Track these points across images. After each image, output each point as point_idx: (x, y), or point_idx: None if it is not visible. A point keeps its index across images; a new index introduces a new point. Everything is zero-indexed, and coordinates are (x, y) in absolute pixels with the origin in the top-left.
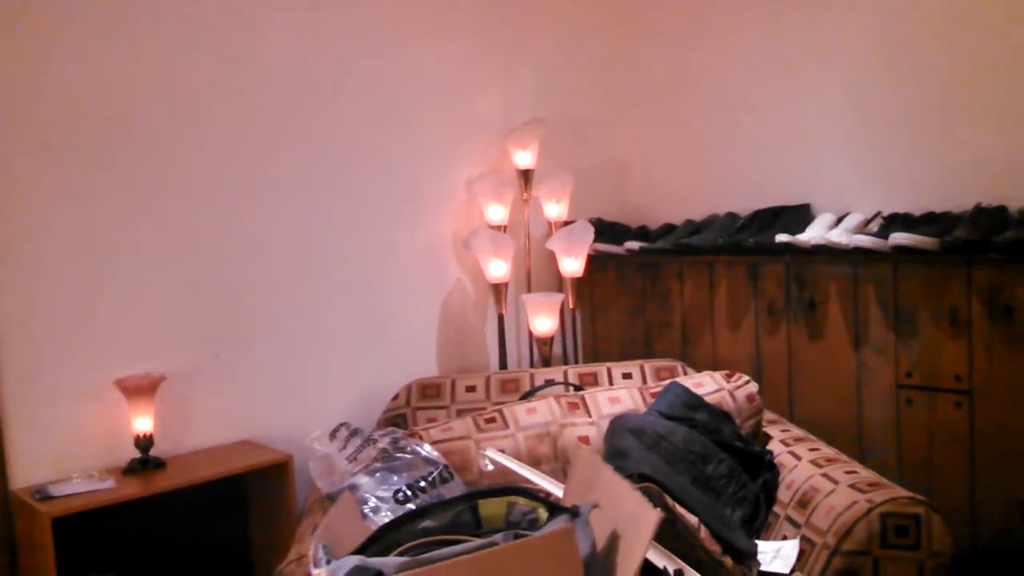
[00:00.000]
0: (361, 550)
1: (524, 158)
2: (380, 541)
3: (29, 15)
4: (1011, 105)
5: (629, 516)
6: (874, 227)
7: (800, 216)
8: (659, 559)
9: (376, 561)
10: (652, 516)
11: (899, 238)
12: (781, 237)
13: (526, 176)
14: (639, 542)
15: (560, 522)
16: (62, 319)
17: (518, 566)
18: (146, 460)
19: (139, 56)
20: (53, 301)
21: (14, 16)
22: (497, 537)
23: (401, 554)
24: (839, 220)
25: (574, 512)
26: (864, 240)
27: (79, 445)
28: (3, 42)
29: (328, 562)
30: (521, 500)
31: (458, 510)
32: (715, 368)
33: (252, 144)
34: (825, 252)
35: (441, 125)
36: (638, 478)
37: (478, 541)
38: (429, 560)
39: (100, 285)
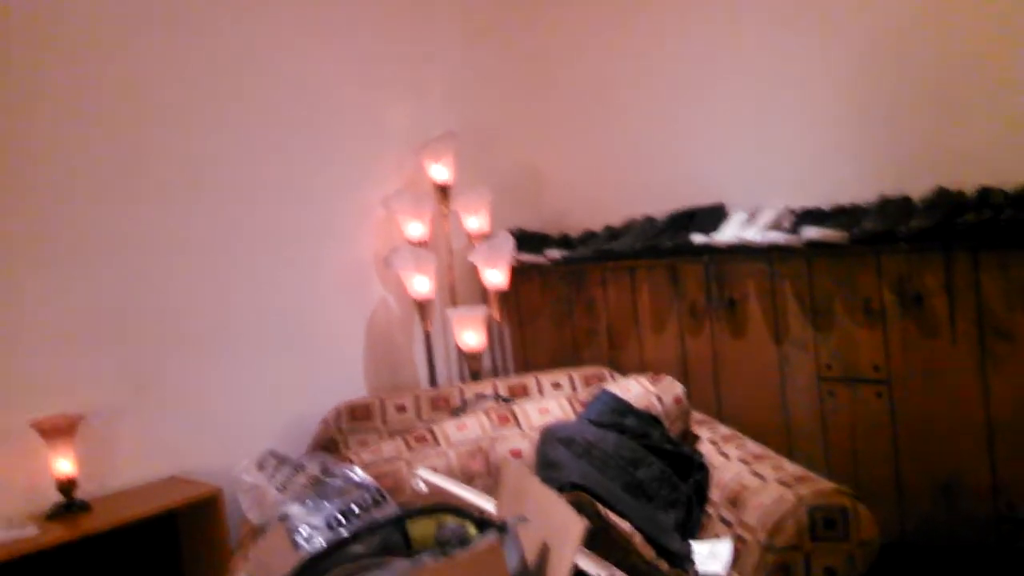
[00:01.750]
0: None
1: (440, 172)
2: (310, 570)
3: None
4: (912, 96)
5: (558, 526)
6: (786, 223)
7: (715, 216)
8: (593, 567)
9: None
10: (578, 525)
11: (810, 233)
12: (698, 238)
13: (444, 190)
14: (567, 552)
15: (488, 538)
16: None
17: None
18: (70, 503)
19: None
20: None
21: None
22: (425, 557)
23: None
24: (753, 217)
25: (502, 527)
26: (777, 236)
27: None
28: None
29: None
30: (450, 518)
31: (387, 532)
32: (643, 372)
33: (163, 170)
34: (741, 250)
35: (353, 142)
36: (570, 487)
37: (406, 562)
38: None
39: (9, 324)
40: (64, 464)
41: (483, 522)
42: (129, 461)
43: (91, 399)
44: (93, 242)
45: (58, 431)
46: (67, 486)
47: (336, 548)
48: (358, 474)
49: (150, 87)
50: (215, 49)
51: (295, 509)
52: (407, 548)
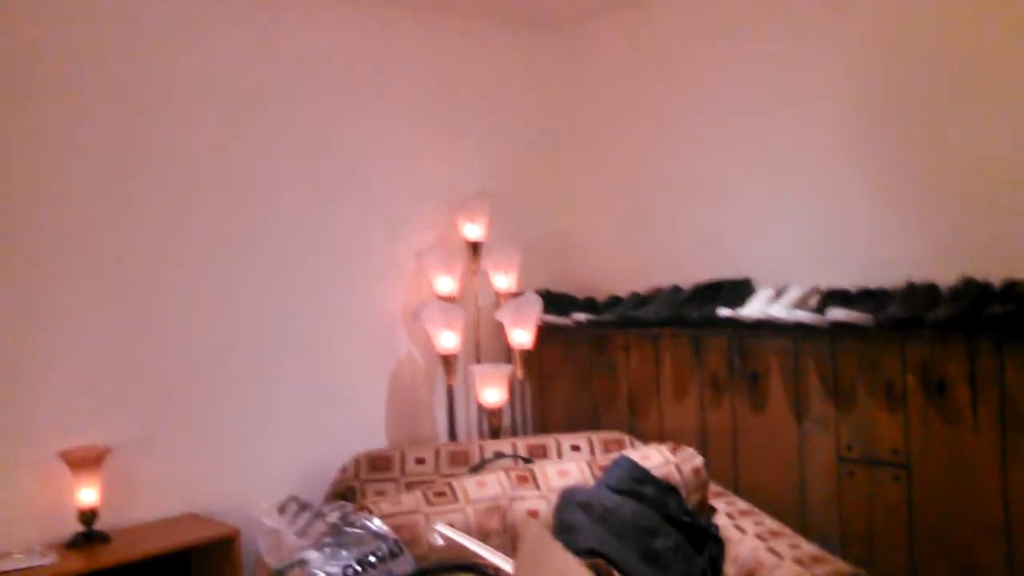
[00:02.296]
0: None
1: (473, 230)
2: None
3: None
4: (943, 185)
5: None
6: (813, 302)
7: (741, 290)
8: None
9: None
10: None
11: (837, 314)
12: (723, 311)
13: (475, 248)
14: None
15: None
16: (2, 391)
17: None
18: (90, 534)
19: (82, 125)
20: None
21: None
22: None
23: None
24: (779, 294)
25: None
26: (803, 315)
27: (20, 519)
28: None
29: None
30: None
31: None
32: (661, 439)
33: (198, 215)
34: (766, 326)
35: (390, 198)
36: (586, 553)
37: None
38: None
39: (42, 356)
40: (88, 494)
41: None
42: (150, 495)
43: (117, 432)
44: (129, 282)
45: (85, 462)
46: (89, 516)
47: None
48: (377, 524)
49: (191, 141)
50: (257, 100)
51: (313, 555)
52: None
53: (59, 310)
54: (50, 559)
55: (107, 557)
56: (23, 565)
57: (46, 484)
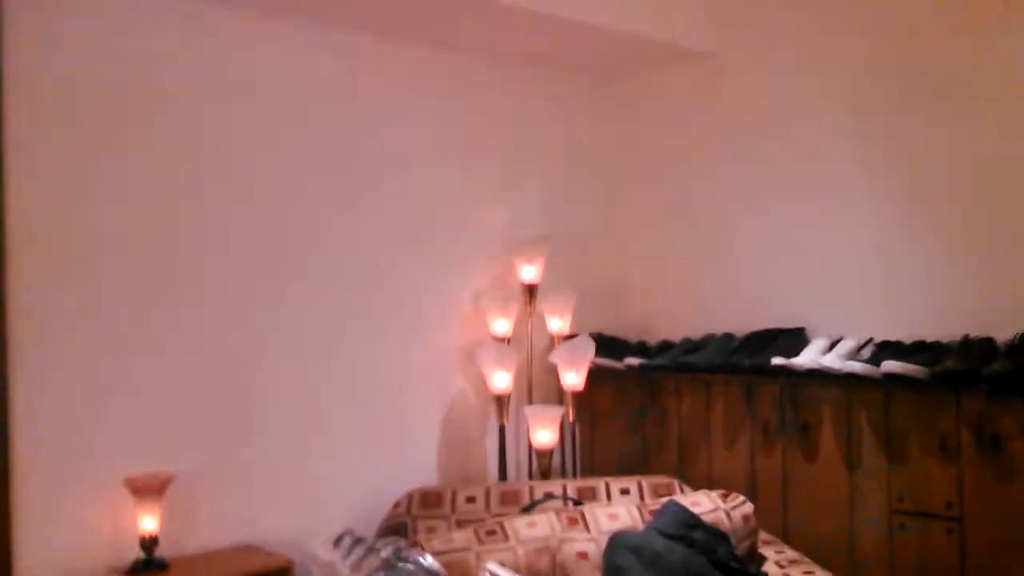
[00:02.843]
0: None
1: (529, 272)
2: None
3: None
4: (1006, 237)
5: None
6: (866, 353)
7: (795, 339)
8: None
9: None
10: None
11: (890, 366)
12: (776, 360)
13: (531, 291)
14: None
15: None
16: (73, 417)
17: None
18: (150, 561)
19: (148, 176)
20: (65, 399)
21: None
22: None
23: None
24: (833, 345)
25: None
26: (856, 366)
27: (84, 545)
28: None
29: None
30: None
31: None
32: (711, 486)
33: (267, 254)
34: (819, 376)
35: (450, 241)
36: None
37: None
38: None
39: (110, 385)
40: (150, 522)
41: None
42: (209, 525)
43: (181, 462)
44: (192, 315)
45: (149, 490)
46: (150, 543)
47: None
48: (429, 562)
49: (255, 179)
50: (324, 141)
51: None
52: None
53: (132, 341)
54: None
55: None
56: None
57: (110, 510)
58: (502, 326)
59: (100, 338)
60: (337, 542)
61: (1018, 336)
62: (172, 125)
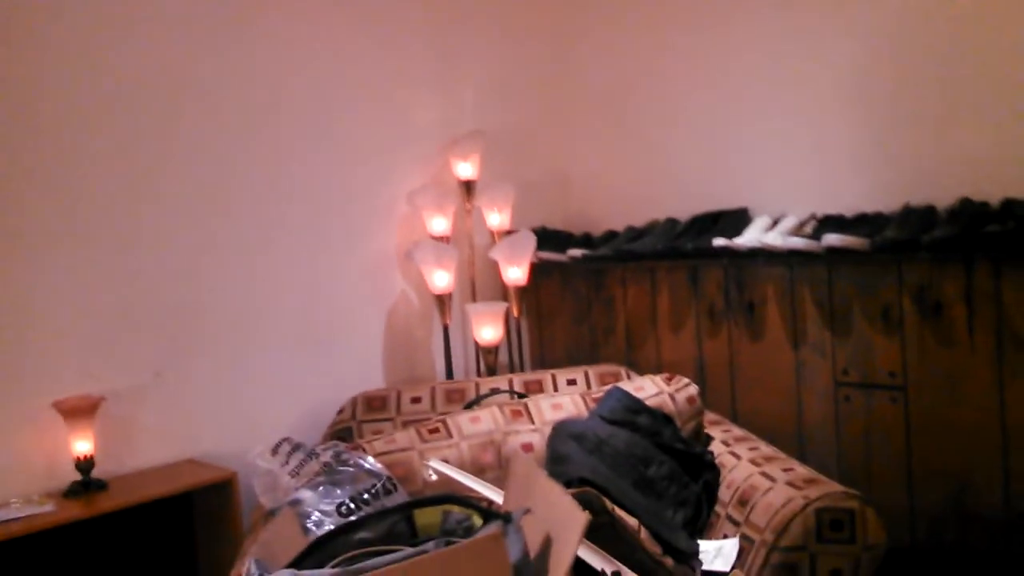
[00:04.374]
0: (296, 563)
1: (466, 169)
2: (315, 554)
3: None
4: (943, 106)
5: (561, 519)
6: (808, 229)
7: (738, 220)
8: (597, 561)
9: (307, 574)
10: (582, 517)
11: (831, 239)
12: (718, 241)
13: (468, 187)
14: (570, 544)
15: (490, 528)
16: None
17: (448, 573)
18: (87, 482)
19: (67, 61)
20: None
21: None
22: (428, 545)
23: (335, 566)
24: (775, 223)
25: (506, 518)
26: (798, 242)
27: (17, 470)
28: None
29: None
30: (456, 508)
31: (394, 520)
32: (659, 372)
33: (187, 158)
34: (762, 255)
35: (382, 137)
36: (578, 482)
37: (410, 550)
38: (359, 570)
39: (32, 306)
40: (83, 444)
41: (488, 513)
42: (148, 443)
43: (112, 382)
44: (120, 231)
45: (78, 412)
46: (85, 465)
47: (342, 532)
48: (370, 463)
49: (183, 85)
50: (246, 44)
51: (307, 495)
52: (413, 536)
53: (50, 262)
54: (48, 507)
55: (105, 503)
56: (22, 513)
57: (42, 435)
58: (440, 224)
59: (18, 251)
60: (275, 450)
61: (958, 202)
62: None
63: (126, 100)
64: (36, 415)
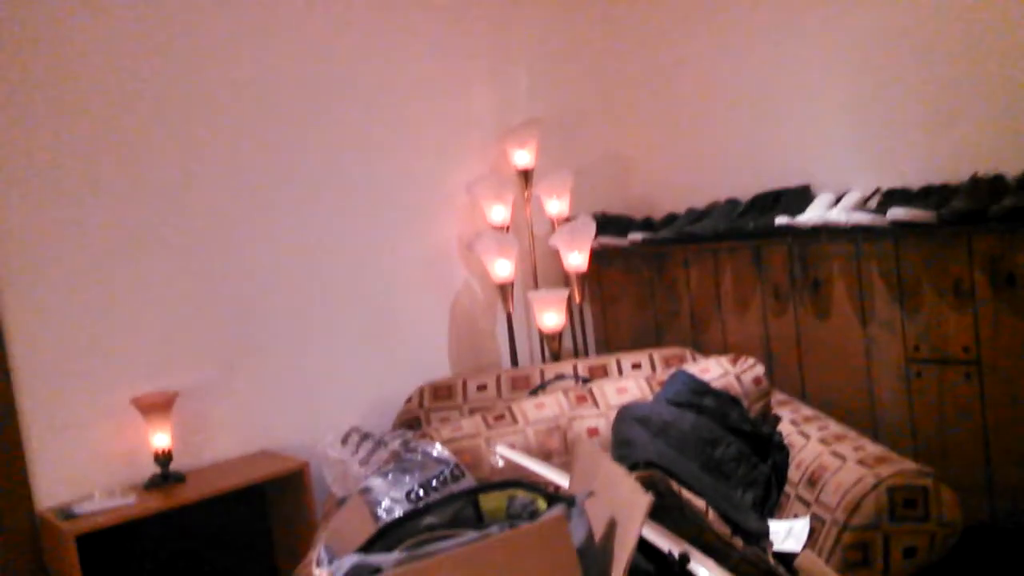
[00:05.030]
0: (364, 548)
1: (523, 157)
2: (383, 539)
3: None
4: (1011, 71)
5: (624, 502)
6: (873, 204)
7: (800, 197)
8: (665, 543)
9: (375, 558)
10: (645, 499)
11: (897, 213)
12: (781, 219)
13: (526, 175)
14: (633, 525)
15: (554, 511)
16: (76, 342)
17: (512, 556)
18: (166, 475)
19: (138, 75)
20: (65, 324)
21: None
22: (493, 529)
23: (403, 551)
24: (838, 199)
25: (570, 501)
26: (862, 217)
27: (100, 464)
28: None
29: (330, 562)
30: (521, 492)
31: (459, 505)
32: (725, 353)
33: (256, 157)
34: (825, 232)
35: (439, 129)
36: (644, 466)
37: (474, 534)
38: (426, 554)
39: (110, 306)
40: (161, 438)
41: (553, 497)
42: (222, 436)
43: (187, 377)
44: (189, 230)
45: (155, 407)
46: (163, 459)
47: (409, 518)
48: (438, 450)
49: (247, 84)
50: (309, 38)
51: (376, 483)
52: (478, 521)
53: (128, 264)
54: (130, 499)
55: (183, 495)
56: (105, 506)
57: (122, 430)
58: (499, 214)
59: (93, 259)
60: (345, 439)
61: None
62: (168, 36)
63: (194, 109)
64: (116, 411)
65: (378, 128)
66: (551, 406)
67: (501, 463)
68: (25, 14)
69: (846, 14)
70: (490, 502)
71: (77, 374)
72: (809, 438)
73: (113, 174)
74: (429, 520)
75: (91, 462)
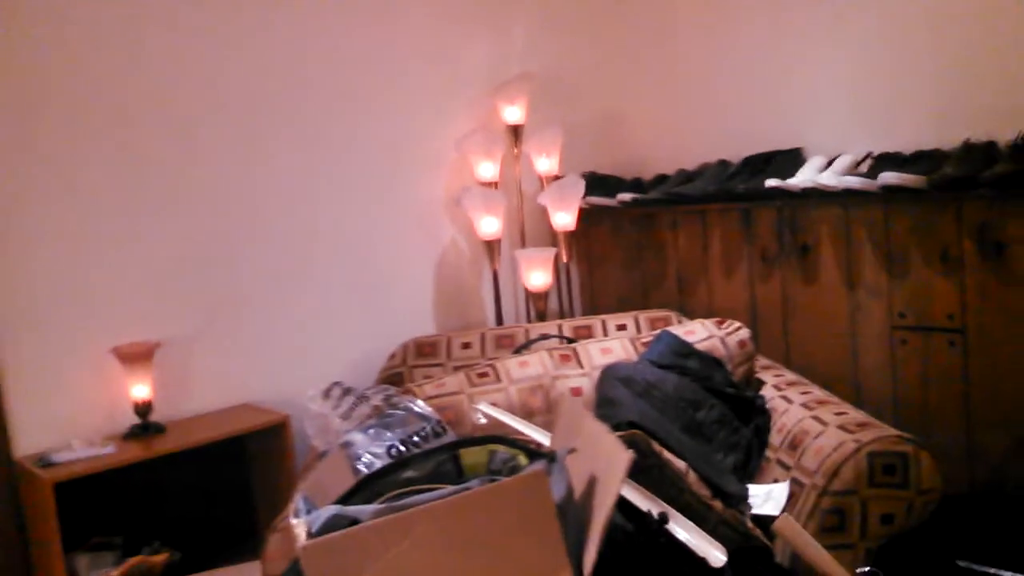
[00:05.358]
0: (343, 500)
1: (513, 113)
2: (362, 491)
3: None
4: (1005, 35)
5: (605, 459)
6: (864, 168)
7: (791, 160)
8: (644, 503)
9: (352, 509)
10: (625, 456)
11: (887, 177)
12: (771, 182)
13: (516, 132)
14: (613, 483)
15: (534, 467)
16: (57, 290)
17: (491, 510)
18: (146, 425)
19: (131, 29)
20: (47, 272)
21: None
22: (473, 483)
23: (381, 503)
24: (830, 163)
25: (551, 456)
26: (853, 181)
27: (79, 413)
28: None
29: (308, 512)
30: (502, 448)
31: (440, 459)
32: (711, 316)
33: (240, 108)
34: (815, 195)
35: (429, 83)
36: (626, 425)
37: (453, 487)
38: (404, 506)
39: (93, 255)
40: (141, 389)
41: (534, 453)
42: (203, 388)
43: (169, 328)
44: (173, 179)
45: (136, 357)
46: (143, 409)
47: (389, 472)
48: (420, 406)
49: (228, 43)
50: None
51: (357, 437)
52: (459, 475)
53: (112, 213)
54: (109, 449)
55: (162, 445)
56: (84, 454)
57: (102, 379)
58: (488, 170)
59: (78, 206)
60: (327, 393)
61: (1020, 136)
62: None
63: (176, 60)
64: (96, 361)
65: (369, 82)
66: (535, 365)
67: (483, 420)
68: None
69: None
70: (471, 457)
71: (58, 322)
72: (792, 403)
73: (100, 124)
74: (409, 474)
75: (71, 411)
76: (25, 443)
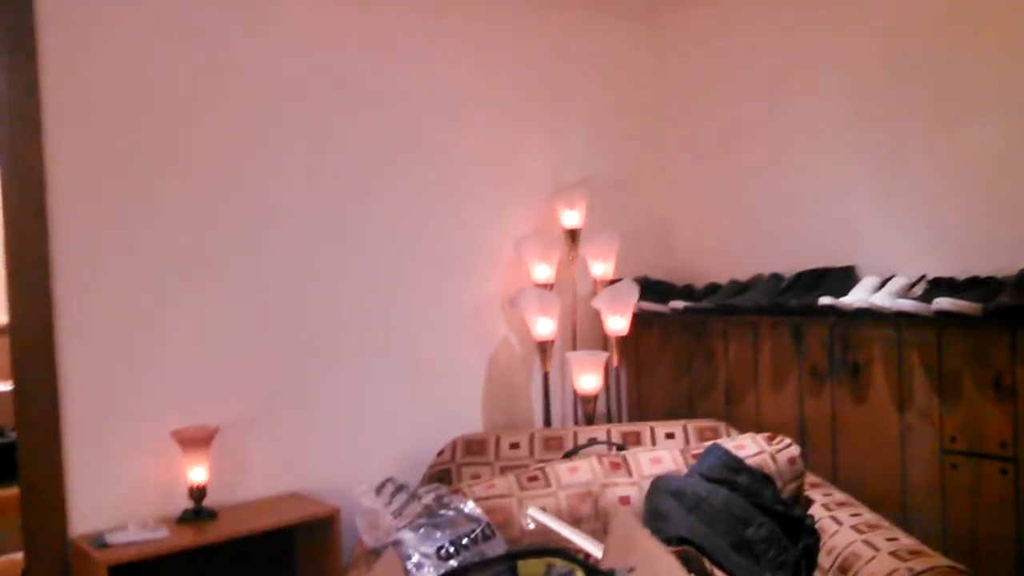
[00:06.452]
0: None
1: (571, 218)
2: None
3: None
4: None
5: None
6: (918, 291)
7: (844, 278)
8: None
9: None
10: None
11: (942, 303)
12: (824, 299)
13: (573, 235)
14: None
15: None
16: (120, 373)
17: None
18: (199, 510)
19: (190, 119)
20: (112, 356)
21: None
22: None
23: None
24: (883, 283)
25: (610, 574)
26: (907, 304)
27: (136, 494)
28: None
29: None
30: (559, 561)
31: (498, 570)
32: (758, 429)
33: (305, 202)
34: (869, 315)
35: (491, 186)
36: (677, 541)
37: None
38: None
39: (156, 341)
40: (198, 473)
41: (591, 569)
42: (255, 474)
43: (226, 414)
44: (239, 268)
45: (196, 441)
46: (198, 494)
47: None
48: (470, 508)
49: (299, 136)
50: (368, 93)
51: (408, 536)
52: None
53: (178, 304)
54: (162, 533)
55: (215, 533)
56: (138, 537)
57: (160, 462)
58: (543, 272)
59: (144, 293)
60: (379, 489)
61: None
62: (223, 88)
63: (263, 142)
64: (155, 443)
65: (432, 182)
66: (584, 471)
67: (532, 525)
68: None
69: (899, 99)
70: (528, 568)
71: (122, 403)
72: (841, 524)
73: (171, 210)
74: None
75: (128, 492)
76: (80, 522)
